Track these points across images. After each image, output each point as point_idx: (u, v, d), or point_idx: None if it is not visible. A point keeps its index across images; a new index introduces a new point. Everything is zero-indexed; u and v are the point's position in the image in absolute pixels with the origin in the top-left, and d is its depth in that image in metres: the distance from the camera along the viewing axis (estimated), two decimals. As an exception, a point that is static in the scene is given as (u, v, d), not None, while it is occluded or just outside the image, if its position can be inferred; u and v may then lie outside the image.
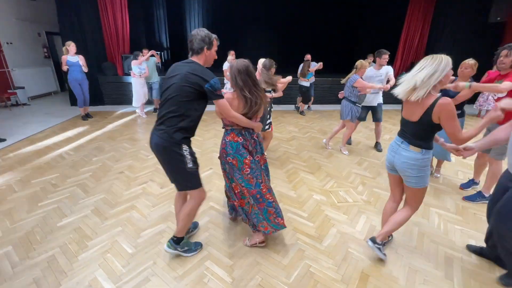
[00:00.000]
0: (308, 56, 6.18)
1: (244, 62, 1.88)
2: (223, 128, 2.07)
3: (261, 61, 3.40)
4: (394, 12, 8.44)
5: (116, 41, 6.86)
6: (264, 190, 2.00)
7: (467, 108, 3.20)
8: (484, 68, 8.30)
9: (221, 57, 6.15)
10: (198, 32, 1.77)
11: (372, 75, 3.95)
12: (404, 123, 1.85)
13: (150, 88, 6.13)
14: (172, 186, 3.05)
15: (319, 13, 10.18)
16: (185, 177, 1.86)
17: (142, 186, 3.07)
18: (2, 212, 2.54)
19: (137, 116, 6.07)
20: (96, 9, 6.50)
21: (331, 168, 3.67)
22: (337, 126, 4.36)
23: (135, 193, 2.92)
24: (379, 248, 2.00)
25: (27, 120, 5.56)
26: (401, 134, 1.88)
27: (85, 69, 5.40)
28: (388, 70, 3.92)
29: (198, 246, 2.13)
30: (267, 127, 3.45)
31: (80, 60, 5.33)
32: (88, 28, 6.50)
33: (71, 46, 5.13)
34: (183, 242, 2.04)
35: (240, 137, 1.97)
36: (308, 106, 7.07)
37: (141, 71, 5.56)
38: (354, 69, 3.91)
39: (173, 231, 2.27)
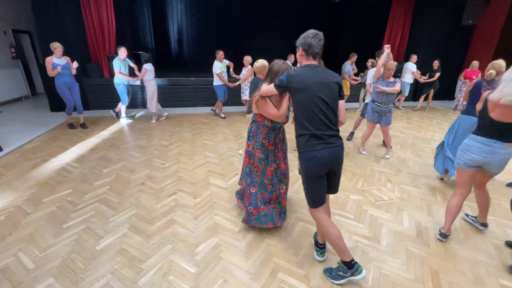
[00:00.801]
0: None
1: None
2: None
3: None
4: (377, 14, 8.87)
5: (101, 41, 6.33)
6: None
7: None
8: (455, 65, 8.97)
9: (211, 58, 6.11)
10: (320, 35, 1.70)
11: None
12: (497, 124, 1.93)
13: (128, 92, 5.69)
14: (206, 195, 2.92)
15: (301, 13, 10.35)
16: None
17: (173, 198, 2.86)
18: (23, 239, 2.21)
19: (126, 121, 5.67)
20: (78, 6, 5.94)
21: (354, 167, 3.74)
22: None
23: (168, 206, 2.72)
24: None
25: (5, 130, 4.92)
26: (492, 134, 1.98)
27: (74, 72, 4.91)
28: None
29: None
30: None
31: (69, 62, 4.84)
32: (69, 26, 5.93)
33: (58, 48, 4.63)
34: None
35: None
36: None
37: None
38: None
39: (227, 244, 2.17)
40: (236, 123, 5.82)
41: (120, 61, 5.24)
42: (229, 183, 3.21)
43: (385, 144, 4.61)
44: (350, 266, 1.73)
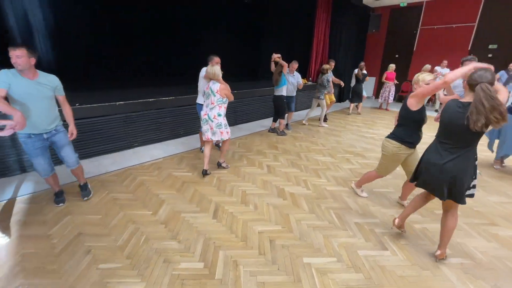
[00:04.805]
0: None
1: None
2: None
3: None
4: (303, 19, 8.62)
5: None
6: None
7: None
8: (355, 67, 9.88)
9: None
10: None
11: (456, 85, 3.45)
12: None
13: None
14: None
15: (215, 16, 8.67)
16: None
17: None
18: None
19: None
20: None
21: None
22: None
23: None
24: None
25: None
26: None
27: None
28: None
29: None
30: None
31: None
32: None
33: None
34: None
35: None
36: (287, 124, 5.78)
37: None
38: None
39: None
40: (236, 165, 3.67)
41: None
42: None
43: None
44: None
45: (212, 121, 3.21)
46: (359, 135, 5.45)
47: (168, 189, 3.01)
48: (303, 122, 6.29)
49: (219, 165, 3.59)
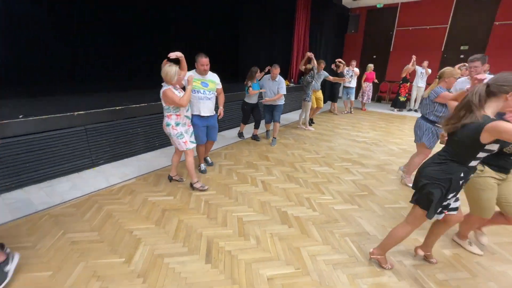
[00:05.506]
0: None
1: None
2: None
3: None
4: (282, 19, 8.28)
5: None
6: None
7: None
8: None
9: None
10: None
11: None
12: None
13: None
14: None
15: (196, 18, 8.05)
16: None
17: None
18: None
19: None
20: None
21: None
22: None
23: None
24: None
25: None
26: None
27: None
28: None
29: None
30: None
31: None
32: None
33: None
34: None
35: None
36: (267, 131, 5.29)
37: None
38: (437, 79, 3.01)
39: None
40: (225, 183, 3.13)
41: None
42: None
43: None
44: None
45: (165, 130, 2.84)
46: (350, 140, 5.17)
47: (145, 222, 2.40)
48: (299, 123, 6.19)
49: (193, 188, 3.00)
